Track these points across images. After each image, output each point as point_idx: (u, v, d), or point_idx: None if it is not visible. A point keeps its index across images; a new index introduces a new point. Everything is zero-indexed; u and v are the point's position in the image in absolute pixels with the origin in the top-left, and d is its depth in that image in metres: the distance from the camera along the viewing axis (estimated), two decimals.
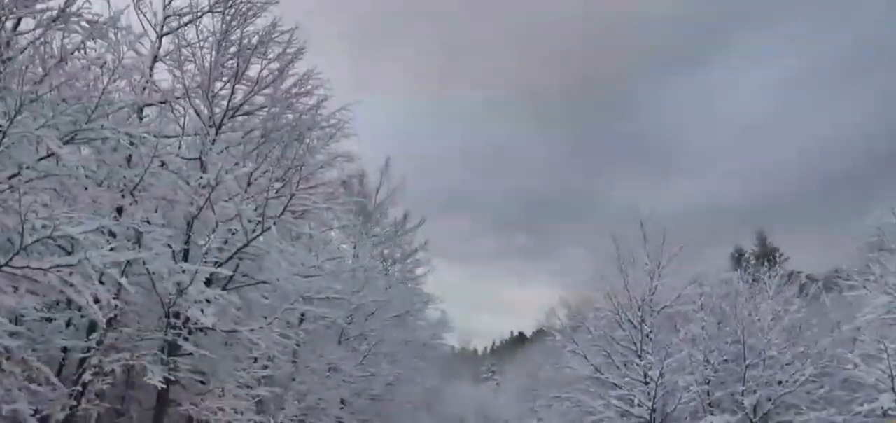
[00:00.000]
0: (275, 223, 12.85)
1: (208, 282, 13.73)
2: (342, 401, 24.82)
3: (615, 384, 18.03)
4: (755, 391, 16.45)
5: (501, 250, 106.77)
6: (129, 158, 13.37)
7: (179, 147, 15.09)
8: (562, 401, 19.64)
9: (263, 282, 14.40)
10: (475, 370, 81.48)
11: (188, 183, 13.22)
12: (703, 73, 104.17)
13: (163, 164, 13.42)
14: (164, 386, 12.15)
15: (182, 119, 14.80)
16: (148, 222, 12.37)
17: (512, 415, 49.35)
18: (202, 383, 14.78)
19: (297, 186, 12.85)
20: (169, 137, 14.59)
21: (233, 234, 13.87)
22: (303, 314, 20.92)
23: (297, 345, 20.35)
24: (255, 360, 18.81)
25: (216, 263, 13.27)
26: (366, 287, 23.74)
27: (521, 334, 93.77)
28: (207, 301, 13.14)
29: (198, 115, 14.83)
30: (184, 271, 12.05)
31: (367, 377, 23.47)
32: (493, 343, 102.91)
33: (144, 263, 11.98)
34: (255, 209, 13.50)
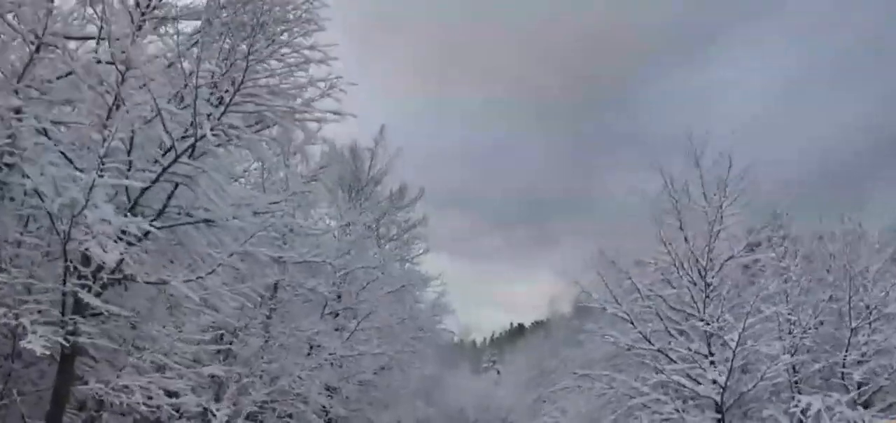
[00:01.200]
0: (213, 128, 9.22)
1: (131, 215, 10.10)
2: (328, 388, 21.26)
3: (667, 357, 14.17)
4: (861, 362, 12.75)
5: (500, 248, 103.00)
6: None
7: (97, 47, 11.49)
8: (592, 381, 15.82)
9: (208, 221, 10.74)
10: (474, 362, 78.08)
11: (100, 81, 9.59)
12: (702, 70, 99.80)
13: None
14: (48, 355, 8.53)
15: (100, 6, 11.13)
16: (36, 121, 8.77)
17: (515, 405, 45.77)
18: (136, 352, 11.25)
19: (245, 75, 9.22)
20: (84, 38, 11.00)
21: (164, 153, 10.26)
22: (276, 283, 17.38)
23: (268, 316, 16.81)
24: (221, 335, 15.34)
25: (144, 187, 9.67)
26: (354, 250, 20.16)
27: (520, 325, 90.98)
28: (128, 243, 9.55)
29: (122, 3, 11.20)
30: (77, 184, 8.40)
31: (354, 357, 19.90)
32: (493, 335, 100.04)
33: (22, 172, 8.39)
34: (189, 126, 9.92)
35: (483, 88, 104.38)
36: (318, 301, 19.11)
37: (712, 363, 13.19)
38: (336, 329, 21.03)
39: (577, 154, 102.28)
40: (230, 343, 14.83)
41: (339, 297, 20.79)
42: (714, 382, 12.95)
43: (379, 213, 32.08)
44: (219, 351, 14.99)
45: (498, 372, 74.09)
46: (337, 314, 21.93)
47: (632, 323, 14.58)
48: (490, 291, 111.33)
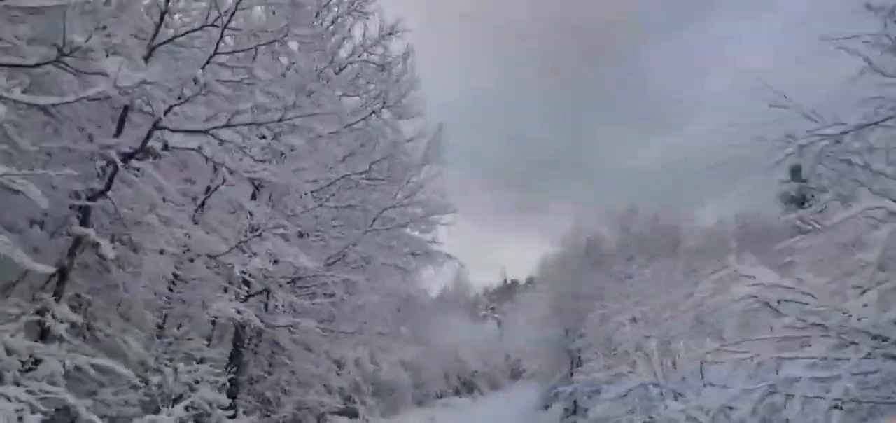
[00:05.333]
0: None
1: None
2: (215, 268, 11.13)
3: None
4: None
5: (489, 206, 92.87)
6: None
7: None
8: None
9: None
10: (471, 313, 68.53)
11: None
12: (704, 25, 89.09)
13: None
14: None
15: None
16: None
17: (526, 350, 35.94)
18: None
19: None
20: None
21: None
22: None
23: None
24: None
25: None
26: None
27: (514, 281, 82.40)
28: None
29: None
30: None
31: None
32: (486, 290, 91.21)
33: None
34: None
35: (473, 42, 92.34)
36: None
37: None
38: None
39: (569, 116, 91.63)
40: None
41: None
42: None
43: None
44: None
45: (497, 321, 65.03)
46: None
47: None
48: (478, 250, 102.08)
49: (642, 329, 18.91)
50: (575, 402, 26.03)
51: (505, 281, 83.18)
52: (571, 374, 26.45)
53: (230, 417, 10.56)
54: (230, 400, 10.86)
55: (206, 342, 12.14)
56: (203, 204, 9.92)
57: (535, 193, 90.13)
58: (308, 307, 12.84)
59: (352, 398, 22.57)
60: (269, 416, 12.23)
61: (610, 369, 21.37)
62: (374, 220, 13.33)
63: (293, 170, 10.76)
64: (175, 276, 9.75)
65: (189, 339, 9.25)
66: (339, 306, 15.33)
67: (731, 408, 9.09)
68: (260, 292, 12.72)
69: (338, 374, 21.11)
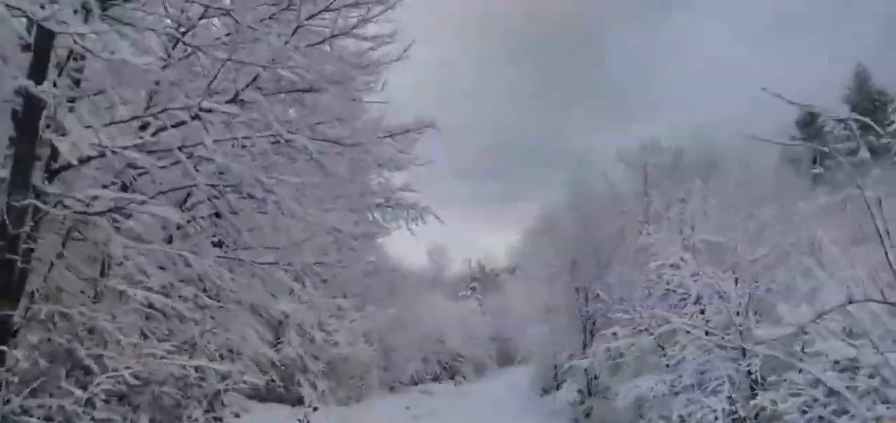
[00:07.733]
0: None
1: None
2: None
3: None
4: None
5: (463, 198, 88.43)
6: None
7: None
8: None
9: None
10: (450, 291, 62.52)
11: None
12: (677, 15, 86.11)
13: None
14: None
15: None
16: None
17: (526, 331, 30.06)
18: None
19: None
20: None
21: None
22: None
23: None
24: None
25: None
26: None
27: (490, 270, 77.33)
28: None
29: None
30: None
31: None
32: (463, 271, 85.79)
33: None
34: None
35: (451, 30, 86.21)
36: None
37: None
38: None
39: (546, 102, 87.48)
40: None
41: None
42: None
43: None
44: None
45: (479, 301, 59.15)
46: None
47: None
48: (455, 239, 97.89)
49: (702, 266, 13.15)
50: (589, 381, 20.30)
51: (480, 266, 77.27)
52: (585, 346, 20.66)
53: None
54: None
55: None
56: None
57: (510, 185, 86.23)
58: (160, 178, 6.67)
59: (294, 376, 16.38)
60: (57, 388, 6.03)
61: (649, 332, 15.56)
62: (296, 29, 7.16)
63: None
64: None
65: None
66: (241, 212, 9.16)
67: None
68: (67, 167, 6.48)
69: (274, 342, 15.04)
